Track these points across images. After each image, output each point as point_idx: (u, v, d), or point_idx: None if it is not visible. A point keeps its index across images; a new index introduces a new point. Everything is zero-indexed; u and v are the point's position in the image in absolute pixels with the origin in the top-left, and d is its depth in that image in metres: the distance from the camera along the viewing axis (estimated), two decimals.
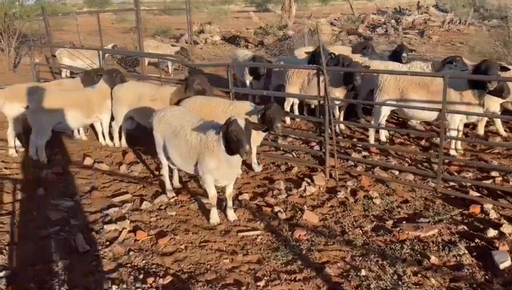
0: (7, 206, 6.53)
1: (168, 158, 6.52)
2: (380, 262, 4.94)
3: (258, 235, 5.60)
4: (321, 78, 7.31)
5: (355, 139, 8.96)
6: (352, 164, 7.69)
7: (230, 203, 6.02)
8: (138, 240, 5.58)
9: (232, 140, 5.16)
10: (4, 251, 5.36)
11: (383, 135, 8.83)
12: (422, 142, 8.61)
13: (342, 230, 5.67)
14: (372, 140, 8.52)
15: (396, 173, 7.28)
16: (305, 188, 6.80)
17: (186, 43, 26.37)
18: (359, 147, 8.39)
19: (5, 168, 8.02)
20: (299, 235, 5.53)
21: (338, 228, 5.74)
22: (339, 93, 9.06)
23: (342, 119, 9.45)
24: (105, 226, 5.87)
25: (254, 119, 6.89)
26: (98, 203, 6.65)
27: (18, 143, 8.87)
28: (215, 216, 5.93)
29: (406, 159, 7.88)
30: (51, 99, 7.96)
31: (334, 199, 6.49)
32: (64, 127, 8.35)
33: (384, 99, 8.07)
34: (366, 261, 4.98)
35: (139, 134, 9.32)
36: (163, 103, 8.19)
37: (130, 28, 27.58)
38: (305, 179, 7.13)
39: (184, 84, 8.07)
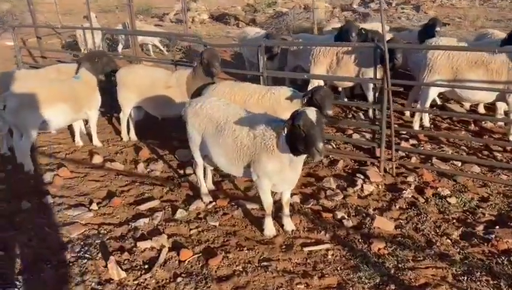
0: (10, 220, 5.41)
1: (204, 157, 5.49)
2: (491, 282, 4.06)
3: (327, 250, 4.65)
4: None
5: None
6: (403, 154, 6.78)
7: (287, 210, 5.04)
8: (183, 261, 4.57)
9: (300, 137, 4.17)
10: (17, 284, 4.29)
11: (427, 119, 7.94)
12: (472, 127, 7.75)
13: (427, 239, 4.77)
14: (417, 126, 7.63)
15: (459, 164, 6.40)
16: (361, 186, 5.88)
17: (172, 22, 24.99)
18: (403, 134, 7.48)
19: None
20: (379, 249, 4.61)
21: (420, 237, 4.83)
22: (372, 73, 8.12)
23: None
24: (138, 244, 4.83)
25: (297, 106, 5.91)
26: (122, 212, 5.59)
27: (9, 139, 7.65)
28: (270, 227, 4.95)
29: (462, 147, 7.01)
30: (34, 93, 6.67)
31: (401, 199, 5.58)
32: (49, 126, 7.10)
33: (435, 79, 7.15)
34: (473, 281, 4.09)
35: (147, 124, 8.19)
36: (180, 90, 7.14)
37: (116, 5, 25.77)
38: (357, 175, 6.19)
39: (199, 68, 6.95)
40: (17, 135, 6.69)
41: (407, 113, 8.50)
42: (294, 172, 4.60)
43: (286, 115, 5.94)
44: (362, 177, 6.12)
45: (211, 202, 5.67)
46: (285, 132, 4.30)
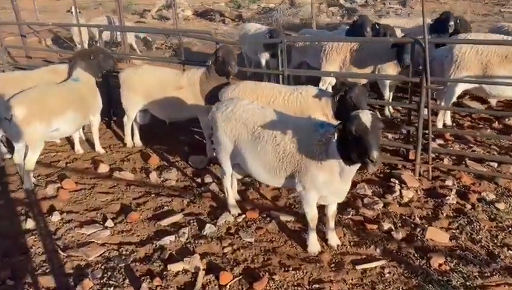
0: (16, 242, 4.80)
1: (234, 166, 4.97)
2: None
3: (383, 268, 4.21)
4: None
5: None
6: (433, 156, 6.38)
7: (332, 224, 4.57)
8: (224, 286, 4.05)
9: (353, 144, 3.69)
10: None
11: (449, 118, 7.58)
12: (496, 125, 7.43)
13: (488, 252, 4.38)
14: (440, 124, 7.26)
15: (494, 165, 6.05)
16: (400, 192, 5.45)
17: (154, 19, 24.20)
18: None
19: None
20: (440, 265, 4.19)
21: (479, 249, 4.44)
22: (390, 70, 7.74)
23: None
24: (169, 267, 4.29)
25: (326, 105, 5.46)
26: (142, 229, 5.03)
27: (3, 149, 6.96)
28: (315, 243, 4.47)
29: (492, 146, 6.67)
30: (44, 99, 5.99)
31: (445, 205, 5.18)
32: (58, 136, 6.54)
33: (463, 75, 6.77)
34: None
35: (152, 128, 7.62)
36: (193, 92, 6.59)
37: (100, 2, 24.71)
38: (391, 179, 5.76)
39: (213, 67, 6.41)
40: (21, 147, 5.98)
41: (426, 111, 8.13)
42: (345, 183, 4.13)
43: (316, 116, 5.52)
44: (397, 182, 5.69)
45: (239, 215, 5.16)
46: (336, 138, 3.83)
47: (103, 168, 6.45)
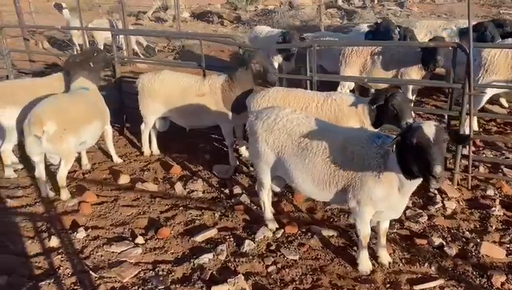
0: (41, 262, 4.47)
1: (273, 178, 4.69)
2: None
3: (442, 288, 3.96)
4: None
5: None
6: (465, 163, 6.17)
7: (384, 241, 4.31)
8: None
9: (415, 158, 3.44)
10: None
11: (475, 123, 7.38)
12: None
13: None
14: (467, 130, 7.03)
15: None
16: (442, 203, 5.22)
17: (151, 21, 23.82)
18: None
19: (9, 196, 5.82)
20: (502, 284, 3.96)
21: None
22: (414, 74, 7.53)
23: None
24: (212, 289, 3.99)
25: (363, 113, 5.23)
26: (175, 245, 4.73)
27: (14, 159, 6.61)
28: (366, 261, 4.20)
29: None
30: (71, 111, 5.67)
31: (492, 217, 4.96)
32: (82, 148, 6.21)
33: (492, 80, 6.58)
34: None
35: (168, 135, 7.31)
36: (215, 99, 6.31)
37: (99, 4, 24.19)
38: (430, 189, 5.52)
39: (242, 73, 6.14)
40: (40, 160, 5.65)
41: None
42: (403, 198, 3.88)
43: (351, 124, 5.27)
44: (436, 192, 5.46)
45: (277, 229, 4.88)
46: (394, 150, 3.57)
47: (124, 179, 6.13)
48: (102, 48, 13.02)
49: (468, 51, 5.18)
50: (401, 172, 3.63)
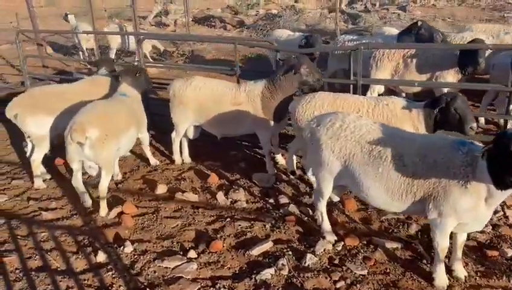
0: (90, 279, 4.19)
1: (335, 188, 4.46)
2: None
3: None
4: None
5: None
6: None
7: (460, 253, 4.09)
8: None
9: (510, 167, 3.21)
10: None
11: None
12: None
13: None
14: None
15: None
16: (503, 212, 5.01)
17: (152, 25, 23.60)
18: None
19: (42, 209, 5.52)
20: None
21: None
22: (450, 77, 7.35)
23: None
24: None
25: (417, 118, 5.01)
26: (231, 259, 4.46)
27: (42, 169, 6.30)
28: (443, 276, 3.96)
29: None
30: (111, 117, 5.44)
31: None
32: (119, 154, 5.96)
33: None
34: None
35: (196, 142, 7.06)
36: (253, 107, 6.06)
37: (105, 8, 23.83)
38: None
39: (282, 80, 5.90)
40: (78, 168, 5.45)
41: (482, 120, 7.83)
42: (490, 210, 3.65)
43: (405, 129, 5.04)
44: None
45: (336, 241, 4.63)
46: (485, 158, 3.36)
47: (161, 189, 5.85)
48: (114, 52, 12.76)
49: None
50: (492, 182, 3.41)
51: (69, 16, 14.77)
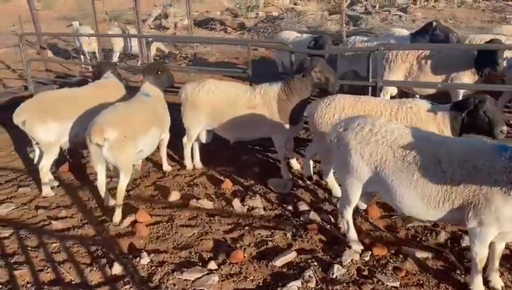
0: None
1: (363, 194, 4.25)
2: None
3: None
4: None
5: None
6: None
7: (497, 264, 3.90)
8: None
9: None
10: None
11: None
12: None
13: None
14: None
15: None
16: None
17: (151, 28, 23.35)
18: None
19: (50, 217, 5.29)
20: None
21: None
22: (466, 78, 7.18)
23: None
24: None
25: (443, 122, 4.83)
26: (253, 271, 4.24)
27: (50, 176, 6.07)
28: (480, 287, 3.76)
29: None
30: (130, 118, 5.26)
31: None
32: (140, 157, 5.78)
33: None
34: None
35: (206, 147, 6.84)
36: (269, 111, 5.87)
37: (106, 11, 23.59)
38: None
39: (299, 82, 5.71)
40: (102, 169, 5.29)
41: None
42: None
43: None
44: None
45: (363, 251, 4.42)
46: None
47: (175, 196, 5.63)
48: (117, 55, 12.54)
49: None
50: None
51: (73, 22, 14.73)
